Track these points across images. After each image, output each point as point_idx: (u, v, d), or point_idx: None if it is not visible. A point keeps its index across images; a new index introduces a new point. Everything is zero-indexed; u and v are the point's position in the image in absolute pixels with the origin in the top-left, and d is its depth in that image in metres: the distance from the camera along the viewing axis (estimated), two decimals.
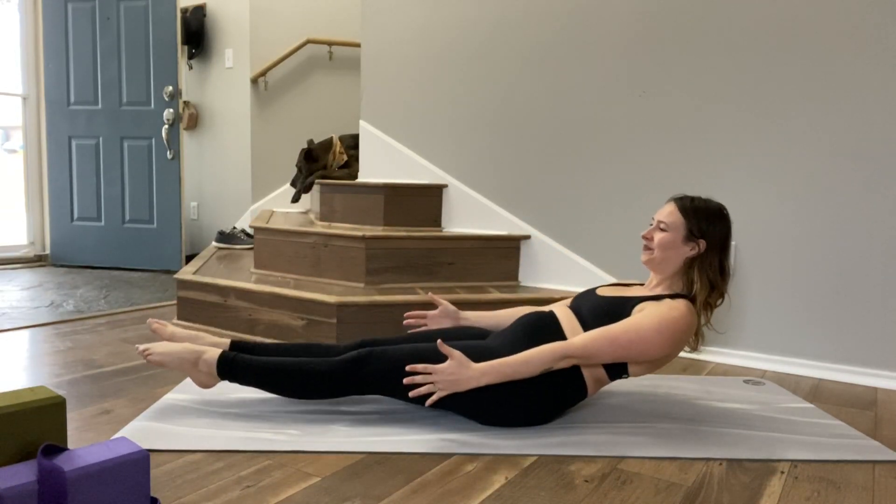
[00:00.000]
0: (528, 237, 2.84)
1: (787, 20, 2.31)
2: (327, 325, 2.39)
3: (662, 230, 1.73)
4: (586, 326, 1.72)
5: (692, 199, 1.75)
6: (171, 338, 1.83)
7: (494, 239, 2.80)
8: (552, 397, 1.67)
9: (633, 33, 2.59)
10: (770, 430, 1.73)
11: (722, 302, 1.75)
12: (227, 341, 1.83)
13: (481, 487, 1.38)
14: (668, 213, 1.74)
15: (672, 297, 1.70)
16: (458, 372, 1.57)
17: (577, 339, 1.63)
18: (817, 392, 2.12)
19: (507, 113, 2.90)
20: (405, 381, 1.59)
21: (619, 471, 1.48)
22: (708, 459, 1.55)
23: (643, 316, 1.64)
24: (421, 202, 3.00)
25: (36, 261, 4.55)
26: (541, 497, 1.34)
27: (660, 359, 1.67)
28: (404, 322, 1.96)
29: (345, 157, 3.74)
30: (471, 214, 2.99)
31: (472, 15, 2.97)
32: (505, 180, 2.92)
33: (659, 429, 1.71)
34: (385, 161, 3.25)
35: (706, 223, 1.70)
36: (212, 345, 1.82)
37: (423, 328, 1.93)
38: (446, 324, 1.95)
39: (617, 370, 1.69)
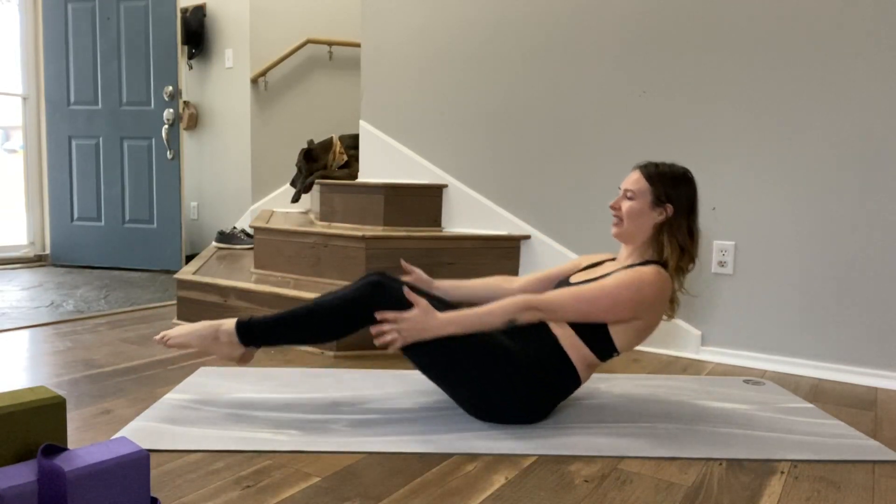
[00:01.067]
0: (528, 237, 2.84)
1: (787, 20, 2.31)
2: None
3: (629, 198, 1.74)
4: None
5: (656, 164, 1.75)
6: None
7: (494, 239, 2.80)
8: (543, 386, 1.67)
9: (633, 33, 2.59)
10: (770, 430, 1.73)
11: (693, 267, 1.74)
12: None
13: (481, 487, 1.38)
14: (633, 180, 1.75)
15: (642, 264, 1.71)
16: (422, 320, 1.61)
17: (545, 293, 1.65)
18: (817, 392, 2.12)
19: (508, 113, 2.90)
20: (372, 330, 1.62)
21: (619, 471, 1.48)
22: (708, 459, 1.55)
23: (610, 277, 1.67)
24: (421, 202, 3.00)
25: (36, 261, 4.55)
26: (541, 497, 1.34)
27: (639, 324, 1.66)
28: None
29: (345, 157, 3.74)
30: (471, 214, 2.99)
31: (471, 15, 2.97)
32: (505, 180, 2.92)
33: (659, 429, 1.71)
34: (385, 161, 3.24)
35: (672, 187, 1.71)
36: None
37: None
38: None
39: (602, 345, 1.68)
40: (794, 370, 2.33)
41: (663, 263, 1.71)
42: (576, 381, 1.71)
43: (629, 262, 1.76)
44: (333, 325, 1.71)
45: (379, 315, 1.62)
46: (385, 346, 1.67)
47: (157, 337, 1.77)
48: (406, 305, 1.66)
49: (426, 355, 1.68)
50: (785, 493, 1.39)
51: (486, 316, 1.62)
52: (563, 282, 1.85)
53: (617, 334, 1.67)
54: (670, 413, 1.84)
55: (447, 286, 1.94)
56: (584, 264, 1.92)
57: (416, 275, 1.95)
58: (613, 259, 1.88)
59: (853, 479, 1.47)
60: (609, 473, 1.46)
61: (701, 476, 1.46)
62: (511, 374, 1.64)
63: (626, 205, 1.73)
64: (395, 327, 1.62)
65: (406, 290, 1.62)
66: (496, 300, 1.71)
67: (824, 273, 2.29)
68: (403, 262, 1.94)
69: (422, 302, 1.62)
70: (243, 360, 1.80)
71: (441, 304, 1.78)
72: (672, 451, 1.58)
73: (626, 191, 1.74)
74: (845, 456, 1.58)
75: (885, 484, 1.45)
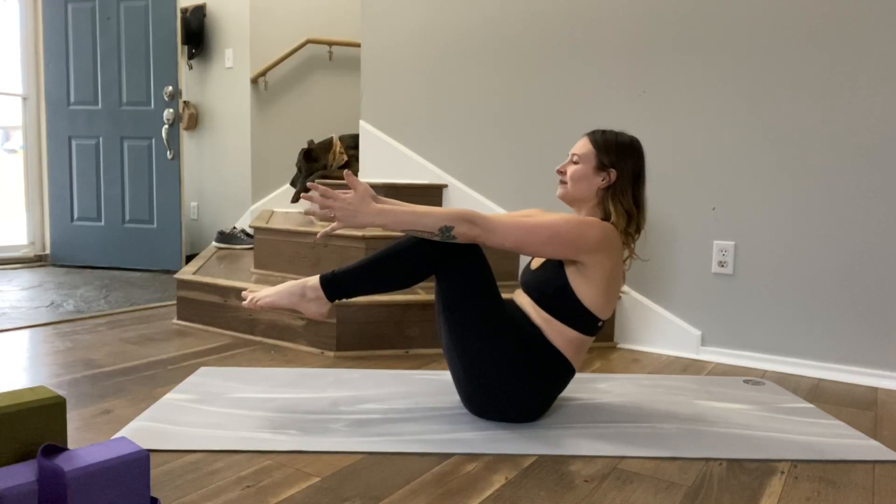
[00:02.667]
0: None
1: (788, 20, 2.31)
2: (327, 326, 2.39)
3: (575, 163, 1.77)
4: (531, 293, 1.74)
5: (604, 131, 1.78)
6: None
7: None
8: (537, 381, 1.68)
9: (633, 33, 2.59)
10: (770, 430, 1.73)
11: (639, 236, 1.76)
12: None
13: (481, 487, 1.38)
14: (580, 145, 1.78)
15: None
16: (356, 205, 1.61)
17: (488, 214, 1.66)
18: (817, 392, 2.12)
19: (508, 113, 2.90)
20: (303, 196, 1.61)
21: (619, 471, 1.48)
22: (708, 459, 1.55)
23: (553, 214, 1.70)
24: (421, 202, 3.00)
25: (36, 261, 4.55)
26: (541, 497, 1.34)
27: (584, 267, 1.65)
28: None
29: (345, 157, 3.74)
30: None
31: (472, 15, 2.97)
32: (505, 180, 2.92)
33: (659, 429, 1.71)
34: (385, 161, 3.24)
35: (615, 154, 1.74)
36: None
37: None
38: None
39: (576, 313, 1.68)
40: (794, 370, 2.33)
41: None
42: (568, 368, 1.72)
43: None
44: (419, 264, 1.69)
45: (310, 184, 1.62)
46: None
47: (246, 301, 1.74)
48: (469, 263, 1.66)
49: (457, 301, 1.68)
50: (785, 493, 1.39)
51: (423, 216, 1.61)
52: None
53: (584, 294, 1.66)
54: (670, 413, 1.84)
55: (394, 202, 1.89)
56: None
57: (365, 186, 1.93)
58: None
59: (853, 479, 1.47)
60: (609, 473, 1.46)
61: (701, 476, 1.46)
62: (509, 366, 1.65)
63: (571, 168, 1.78)
64: (329, 204, 1.61)
65: (346, 172, 1.61)
66: None
67: (824, 273, 2.29)
68: (347, 173, 1.82)
69: (360, 186, 1.63)
70: (330, 316, 1.78)
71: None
72: (672, 451, 1.58)
73: (572, 155, 1.78)
74: (845, 456, 1.58)
75: (885, 484, 1.45)
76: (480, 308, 1.67)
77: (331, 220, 1.66)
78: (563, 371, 1.71)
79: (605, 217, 1.75)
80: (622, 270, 1.74)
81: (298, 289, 1.73)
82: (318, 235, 1.70)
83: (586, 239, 1.63)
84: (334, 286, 1.72)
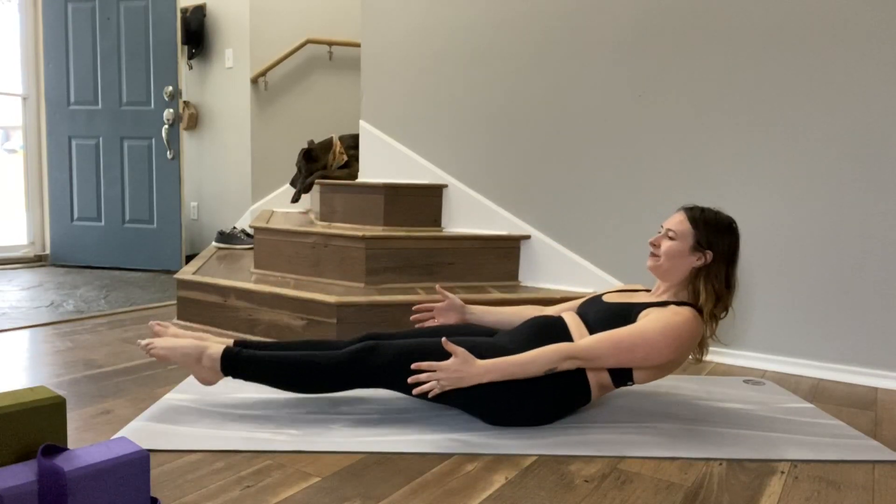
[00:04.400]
0: (528, 237, 2.84)
1: (788, 22, 2.31)
2: (327, 325, 2.39)
3: (671, 238, 1.74)
4: (592, 332, 1.72)
5: (702, 209, 1.76)
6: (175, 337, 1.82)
7: (494, 239, 2.81)
8: (556, 400, 1.67)
9: (632, 34, 2.59)
10: (770, 430, 1.73)
11: (726, 315, 1.75)
12: (231, 341, 1.83)
13: (481, 487, 1.38)
14: (677, 221, 1.75)
15: (677, 304, 1.70)
16: (462, 369, 1.57)
17: (583, 341, 1.64)
18: (817, 392, 2.12)
19: (508, 113, 2.90)
20: (410, 379, 1.59)
21: (619, 471, 1.48)
22: (708, 459, 1.55)
23: (648, 321, 1.65)
24: (421, 202, 3.00)
25: (36, 261, 4.55)
26: (541, 497, 1.34)
27: (664, 365, 1.68)
28: (412, 318, 1.97)
29: (345, 157, 3.74)
30: (471, 214, 2.99)
31: (472, 15, 2.97)
32: (505, 180, 2.92)
33: (659, 429, 1.71)
34: (385, 161, 3.25)
35: (714, 235, 1.71)
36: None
37: (429, 322, 1.93)
38: (452, 318, 1.96)
39: (622, 377, 1.69)
40: (794, 370, 2.33)
41: (698, 309, 1.72)
42: (587, 400, 1.72)
43: (663, 298, 1.77)
44: (322, 383, 1.68)
45: (415, 365, 1.59)
46: (423, 395, 1.67)
47: (144, 342, 1.72)
48: (406, 362, 1.65)
49: (466, 399, 1.67)
50: (785, 493, 1.39)
51: (527, 364, 1.59)
52: (597, 299, 1.85)
53: (638, 372, 1.69)
54: (670, 413, 1.84)
55: (480, 312, 1.95)
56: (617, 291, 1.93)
57: (450, 301, 1.95)
58: (648, 290, 1.88)
59: (853, 479, 1.47)
60: (609, 473, 1.46)
61: (701, 476, 1.46)
62: (525, 388, 1.64)
63: (665, 244, 1.74)
64: (434, 376, 1.58)
65: (444, 340, 1.58)
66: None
67: (824, 273, 2.29)
68: (440, 287, 1.94)
69: (459, 351, 1.58)
70: (216, 381, 1.76)
71: (475, 330, 1.81)
72: (672, 451, 1.58)
73: (668, 230, 1.75)
74: (845, 456, 1.57)
75: (885, 484, 1.45)
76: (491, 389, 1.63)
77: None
78: (581, 398, 1.71)
79: (694, 296, 1.73)
80: (699, 349, 1.74)
81: (196, 352, 1.70)
82: (430, 396, 1.61)
83: (679, 347, 1.63)
84: (234, 366, 1.70)
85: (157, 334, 1.79)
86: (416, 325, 1.93)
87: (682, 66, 2.50)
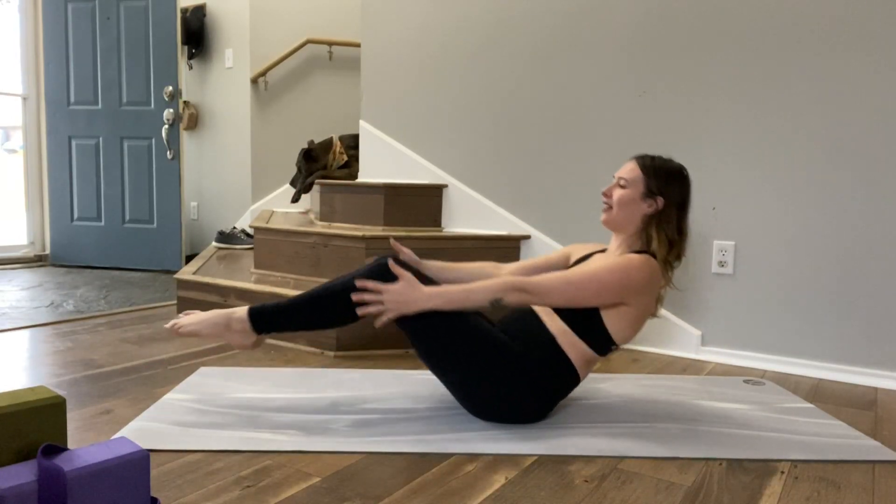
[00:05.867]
0: (528, 237, 2.84)
1: (788, 21, 2.31)
2: None
3: (622, 186, 1.75)
4: (558, 309, 1.72)
5: (653, 157, 1.77)
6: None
7: (494, 239, 2.80)
8: (543, 386, 1.67)
9: (633, 33, 2.59)
10: (770, 430, 1.73)
11: (679, 263, 1.75)
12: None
13: (481, 487, 1.38)
14: (628, 170, 1.76)
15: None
16: (406, 292, 1.61)
17: (534, 276, 1.65)
18: (817, 392, 2.12)
19: (508, 113, 2.90)
20: (354, 297, 1.61)
21: (619, 471, 1.48)
22: (708, 459, 1.55)
23: (597, 261, 1.69)
24: (421, 202, 3.00)
25: (36, 261, 4.55)
26: (541, 497, 1.34)
27: (624, 307, 1.65)
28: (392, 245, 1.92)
29: (345, 157, 3.74)
30: (471, 214, 2.99)
31: (472, 15, 2.97)
32: (505, 180, 2.92)
33: (659, 429, 1.71)
34: (385, 161, 3.24)
35: (665, 181, 1.72)
36: None
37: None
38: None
39: (598, 337, 1.68)
40: (794, 370, 2.33)
41: (652, 255, 1.72)
42: (575, 379, 1.71)
43: (618, 253, 1.78)
44: (343, 309, 1.70)
45: (359, 283, 1.62)
46: (372, 321, 1.66)
47: (169, 324, 1.75)
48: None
49: (426, 340, 1.67)
50: (785, 493, 1.39)
51: (472, 293, 1.61)
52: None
53: (611, 324, 1.67)
54: (670, 413, 1.84)
55: (436, 267, 1.93)
56: (575, 255, 1.93)
57: (406, 254, 1.94)
58: (603, 251, 1.88)
59: (853, 479, 1.47)
60: (609, 473, 1.46)
61: (701, 476, 1.46)
62: (510, 373, 1.64)
63: (617, 193, 1.75)
64: (378, 298, 1.62)
65: (390, 262, 1.61)
66: None
67: (824, 273, 2.29)
68: (393, 242, 1.92)
69: (406, 275, 1.62)
70: (255, 346, 1.78)
71: (429, 283, 1.77)
72: (672, 451, 1.58)
73: (619, 179, 1.76)
74: (845, 456, 1.58)
75: (885, 484, 1.45)
76: (457, 340, 1.64)
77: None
78: (569, 379, 1.70)
79: (647, 244, 1.73)
80: (657, 303, 1.74)
81: (224, 319, 1.72)
82: (376, 324, 1.66)
83: (632, 285, 1.63)
84: (262, 320, 1.72)
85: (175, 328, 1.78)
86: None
87: (682, 66, 2.50)
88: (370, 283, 1.61)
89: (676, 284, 2.45)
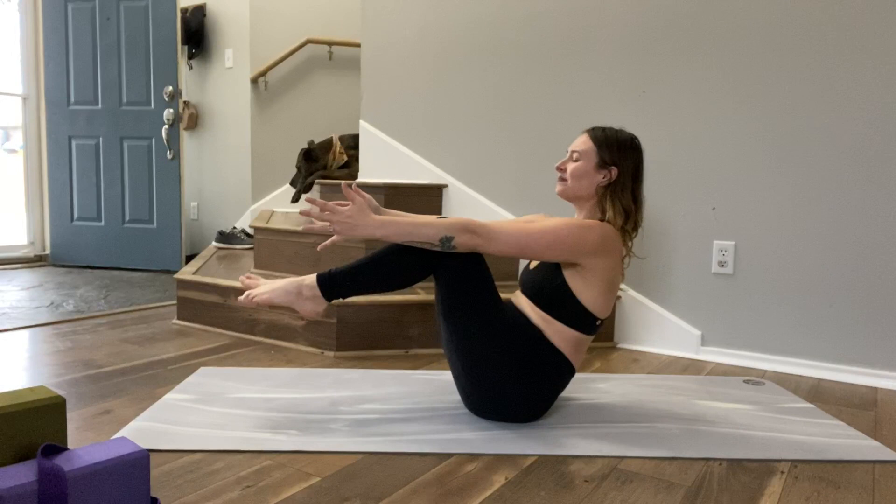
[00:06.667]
0: None
1: (789, 20, 2.31)
2: (327, 325, 2.39)
3: (575, 160, 1.76)
4: (529, 293, 1.73)
5: (604, 128, 1.78)
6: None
7: None
8: (539, 380, 1.67)
9: (633, 33, 2.59)
10: (770, 430, 1.73)
11: (636, 233, 1.76)
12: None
13: (481, 487, 1.38)
14: (580, 142, 1.78)
15: None
16: (356, 217, 1.62)
17: (488, 221, 1.66)
18: (817, 392, 2.12)
19: (508, 112, 2.90)
20: (300, 212, 1.61)
21: (619, 471, 1.48)
22: (708, 459, 1.55)
23: (554, 218, 1.70)
24: (421, 202, 3.00)
25: (36, 261, 4.55)
26: (541, 497, 1.34)
27: (585, 270, 1.65)
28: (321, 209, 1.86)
29: (345, 158, 3.74)
30: (471, 214, 2.99)
31: (472, 15, 2.97)
32: (505, 180, 2.92)
33: (659, 429, 1.71)
34: (385, 161, 3.24)
35: (617, 151, 1.74)
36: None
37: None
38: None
39: (576, 313, 1.68)
40: (794, 370, 2.33)
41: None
42: (569, 367, 1.71)
43: None
44: (414, 265, 1.69)
45: (308, 198, 1.62)
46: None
47: (242, 297, 1.72)
48: (466, 263, 1.67)
49: (453, 314, 1.68)
50: (785, 493, 1.39)
51: (422, 227, 1.61)
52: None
53: (583, 295, 1.66)
54: (670, 413, 1.84)
55: (394, 212, 1.92)
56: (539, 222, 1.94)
57: (367, 199, 1.93)
58: None
59: (853, 479, 1.47)
60: (609, 473, 1.46)
61: (701, 476, 1.46)
62: (509, 366, 1.65)
63: (571, 165, 1.77)
64: (328, 218, 1.62)
65: (344, 185, 1.61)
66: None
67: (824, 273, 2.29)
68: (350, 185, 1.88)
69: (357, 199, 1.63)
70: (325, 315, 1.76)
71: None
72: (672, 451, 1.58)
73: (572, 152, 1.78)
74: (845, 456, 1.57)
75: (885, 484, 1.45)
76: (479, 309, 1.67)
77: (329, 233, 1.67)
78: (563, 370, 1.71)
79: (604, 215, 1.75)
80: (621, 270, 1.74)
81: (295, 287, 1.71)
82: (318, 247, 1.71)
83: (586, 242, 1.64)
84: (332, 285, 1.71)
85: (248, 286, 1.77)
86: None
87: (683, 65, 2.50)
88: (319, 201, 1.61)
89: (676, 283, 2.46)
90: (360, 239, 1.62)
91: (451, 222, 1.62)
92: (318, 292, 1.71)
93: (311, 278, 1.72)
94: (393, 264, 1.69)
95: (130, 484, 1.12)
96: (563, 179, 1.79)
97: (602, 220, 1.73)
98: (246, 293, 1.73)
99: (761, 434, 1.70)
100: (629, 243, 1.76)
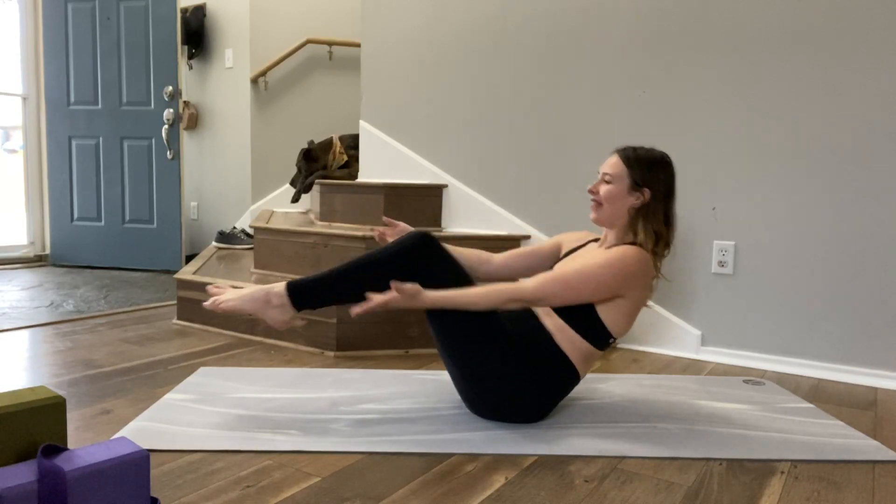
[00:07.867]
0: (528, 237, 2.84)
1: (789, 20, 2.31)
2: (327, 325, 2.39)
3: (608, 182, 1.74)
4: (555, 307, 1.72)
5: (635, 148, 1.76)
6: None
7: (494, 239, 2.80)
8: (542, 385, 1.67)
9: (633, 33, 2.59)
10: (770, 430, 1.73)
11: (668, 253, 1.75)
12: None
13: (481, 487, 1.38)
14: (612, 164, 1.75)
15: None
16: (408, 302, 1.60)
17: (528, 281, 1.65)
18: (817, 392, 2.12)
19: (508, 112, 2.90)
20: (353, 312, 1.58)
21: (619, 471, 1.48)
22: (708, 459, 1.55)
23: (588, 258, 1.68)
24: (421, 202, 3.00)
25: (36, 261, 4.55)
26: (541, 497, 1.34)
27: (620, 299, 1.66)
28: (375, 235, 1.93)
29: (345, 158, 3.74)
30: (471, 214, 2.99)
31: (472, 15, 2.97)
32: (505, 180, 2.92)
33: (659, 429, 1.71)
34: (385, 161, 3.24)
35: (649, 171, 1.72)
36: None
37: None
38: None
39: (595, 331, 1.68)
40: (794, 370, 2.33)
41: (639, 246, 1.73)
42: (575, 377, 1.71)
43: (606, 246, 1.78)
44: (384, 278, 1.68)
45: (368, 294, 1.61)
46: (371, 322, 1.64)
47: (208, 303, 1.70)
48: (438, 271, 1.67)
49: (448, 325, 1.67)
50: (785, 493, 1.39)
51: (474, 298, 1.61)
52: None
53: (607, 317, 1.67)
54: (670, 413, 1.84)
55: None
56: (566, 245, 1.93)
57: (401, 227, 1.93)
58: (596, 240, 1.89)
59: (853, 479, 1.47)
60: (609, 473, 1.46)
61: (701, 476, 1.46)
62: (511, 372, 1.64)
63: (604, 188, 1.74)
64: (385, 308, 1.60)
65: (393, 283, 1.59)
66: (475, 271, 1.82)
67: (824, 273, 2.29)
68: (385, 218, 1.92)
69: (406, 288, 1.59)
70: (292, 324, 1.74)
71: None
72: (672, 451, 1.58)
73: (604, 174, 1.75)
74: (845, 456, 1.58)
75: (885, 484, 1.45)
76: (470, 321, 1.64)
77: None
78: (569, 377, 1.70)
79: (635, 237, 1.72)
80: (651, 293, 1.73)
81: (262, 295, 1.68)
82: (353, 314, 1.62)
83: (629, 278, 1.63)
84: (301, 294, 1.68)
85: (214, 294, 1.74)
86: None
87: (683, 66, 2.50)
88: (377, 297, 1.58)
89: (676, 283, 2.47)
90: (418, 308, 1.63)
91: (497, 295, 1.61)
92: (286, 301, 1.68)
93: (280, 286, 1.69)
94: (367, 275, 1.68)
95: (130, 484, 1.12)
96: (596, 203, 1.76)
97: (633, 243, 1.71)
98: (212, 299, 1.70)
99: (761, 434, 1.70)
100: (658, 264, 1.74)
